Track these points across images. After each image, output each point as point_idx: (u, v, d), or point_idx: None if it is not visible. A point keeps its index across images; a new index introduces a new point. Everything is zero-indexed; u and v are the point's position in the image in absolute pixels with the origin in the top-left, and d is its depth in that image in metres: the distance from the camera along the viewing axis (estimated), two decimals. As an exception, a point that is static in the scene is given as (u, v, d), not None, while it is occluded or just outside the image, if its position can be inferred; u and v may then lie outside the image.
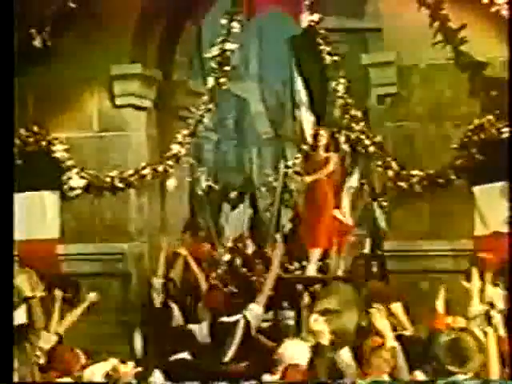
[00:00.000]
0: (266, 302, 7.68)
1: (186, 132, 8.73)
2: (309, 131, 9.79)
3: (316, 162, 9.27)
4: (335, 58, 8.22)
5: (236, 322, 7.44)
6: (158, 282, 8.41)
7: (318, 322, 5.30)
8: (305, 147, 9.92)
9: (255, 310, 7.53)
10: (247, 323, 7.45)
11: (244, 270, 9.64)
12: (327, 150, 9.41)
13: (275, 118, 18.23)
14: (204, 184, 12.96)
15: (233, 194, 13.07)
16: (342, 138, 9.40)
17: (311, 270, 9.05)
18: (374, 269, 8.53)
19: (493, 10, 7.61)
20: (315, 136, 9.38)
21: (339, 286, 6.41)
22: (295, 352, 5.86)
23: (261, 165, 17.31)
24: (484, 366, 5.22)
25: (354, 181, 9.65)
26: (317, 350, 5.27)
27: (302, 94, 10.09)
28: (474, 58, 7.81)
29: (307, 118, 10.01)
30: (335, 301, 5.38)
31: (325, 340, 5.26)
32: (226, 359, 7.41)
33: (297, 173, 11.25)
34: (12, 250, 5.89)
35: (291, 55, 10.38)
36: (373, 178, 9.92)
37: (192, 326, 7.64)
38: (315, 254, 9.14)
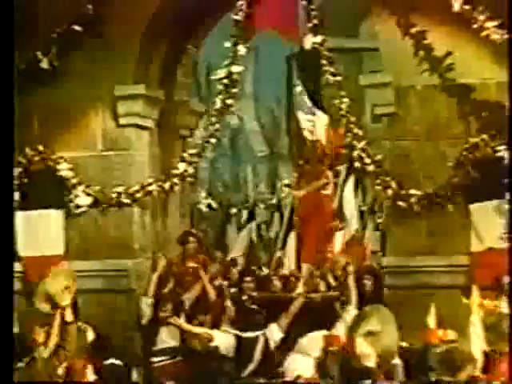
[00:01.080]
0: (287, 326, 7.82)
1: (193, 151, 8.86)
2: (321, 132, 9.75)
3: (310, 175, 9.36)
4: (338, 78, 8.27)
5: (256, 339, 7.59)
6: (146, 301, 8.41)
7: (363, 345, 5.38)
8: (300, 161, 9.97)
9: (275, 332, 7.67)
10: (266, 340, 7.62)
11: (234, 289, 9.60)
12: (321, 162, 9.49)
13: (270, 136, 18.34)
14: (204, 202, 13.03)
15: (232, 212, 13.11)
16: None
17: (300, 286, 9.11)
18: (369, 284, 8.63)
19: (483, 34, 7.81)
20: (312, 148, 9.46)
21: (378, 305, 6.51)
22: (300, 365, 5.99)
23: (256, 183, 17.40)
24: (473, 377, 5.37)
25: (353, 197, 9.72)
26: (363, 372, 5.37)
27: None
28: (461, 82, 7.95)
29: (318, 120, 9.95)
30: (376, 321, 5.43)
31: (371, 362, 5.36)
32: (246, 373, 7.57)
33: (288, 186, 11.33)
34: (13, 258, 5.97)
35: (294, 67, 10.33)
36: (373, 196, 10.03)
37: (218, 341, 7.77)
38: (306, 268, 9.24)
